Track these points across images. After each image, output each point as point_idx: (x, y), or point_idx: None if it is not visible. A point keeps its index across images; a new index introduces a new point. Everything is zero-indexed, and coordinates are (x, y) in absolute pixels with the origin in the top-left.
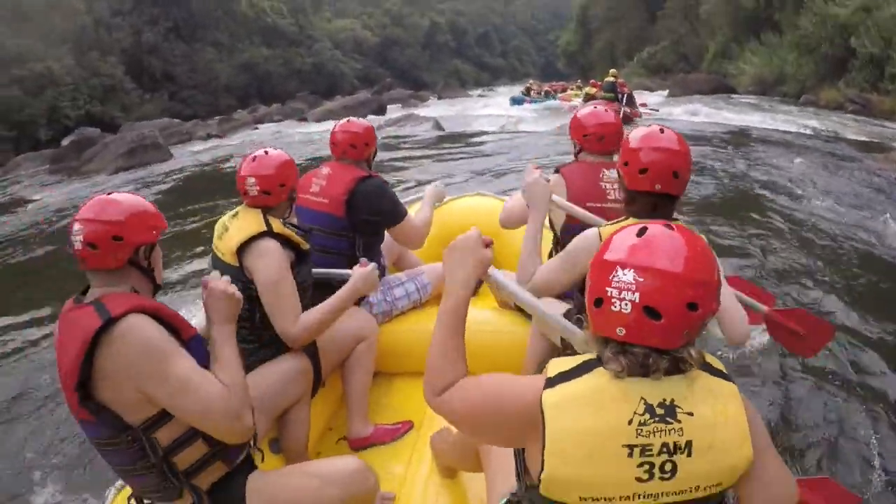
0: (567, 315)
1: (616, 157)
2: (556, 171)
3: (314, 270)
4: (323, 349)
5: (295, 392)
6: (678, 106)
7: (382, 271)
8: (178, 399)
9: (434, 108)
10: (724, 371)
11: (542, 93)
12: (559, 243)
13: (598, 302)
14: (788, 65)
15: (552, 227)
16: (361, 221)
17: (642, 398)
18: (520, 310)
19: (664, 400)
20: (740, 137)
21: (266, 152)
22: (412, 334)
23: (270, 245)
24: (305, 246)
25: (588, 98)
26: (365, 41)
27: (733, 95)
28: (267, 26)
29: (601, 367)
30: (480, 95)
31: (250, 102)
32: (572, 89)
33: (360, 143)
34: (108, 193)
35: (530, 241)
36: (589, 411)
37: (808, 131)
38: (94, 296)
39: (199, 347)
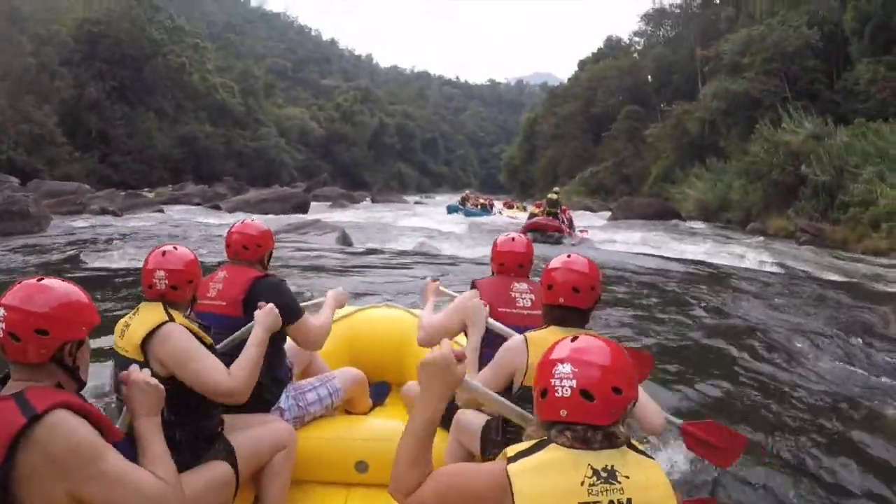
0: (488, 424)
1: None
2: (472, 285)
3: (226, 341)
4: (240, 456)
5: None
6: (620, 231)
7: (290, 377)
8: (114, 496)
9: (358, 213)
10: (646, 452)
11: (479, 205)
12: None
13: (544, 393)
14: (734, 191)
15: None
16: None
17: (589, 464)
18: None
19: (606, 466)
20: (689, 271)
21: (175, 247)
22: (328, 443)
23: (174, 327)
24: (209, 340)
25: (532, 216)
26: (311, 132)
27: (677, 221)
28: (215, 103)
29: (552, 444)
30: (417, 202)
31: (183, 178)
32: (517, 206)
33: (253, 245)
34: (39, 279)
35: (472, 353)
36: (548, 476)
37: (762, 265)
38: (14, 389)
39: (125, 450)
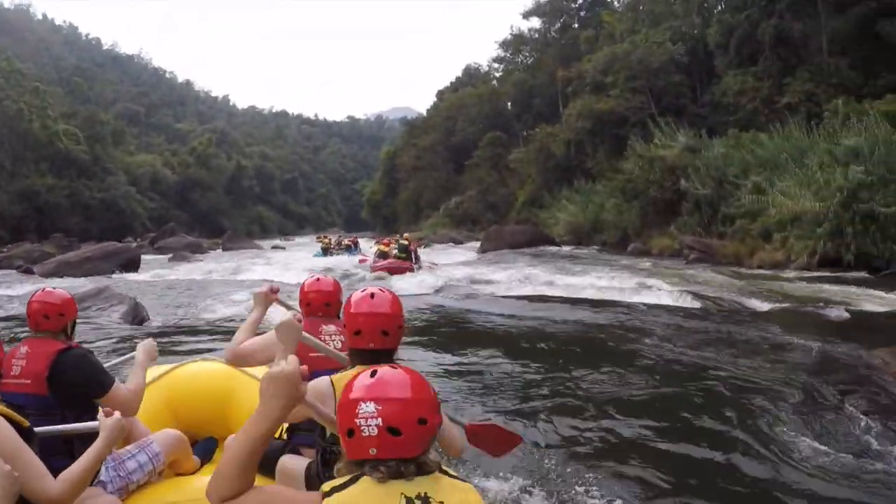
0: (309, 466)
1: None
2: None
3: (51, 428)
4: None
5: None
6: (492, 267)
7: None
8: None
9: (197, 267)
10: (458, 476)
11: (342, 244)
12: None
13: (350, 433)
14: (607, 212)
15: None
16: (68, 397)
17: (402, 493)
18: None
19: (420, 493)
20: (583, 310)
21: None
22: None
23: None
24: (25, 423)
25: (382, 254)
26: (164, 179)
27: (551, 247)
28: (58, 152)
29: (365, 476)
30: (275, 247)
31: (25, 237)
32: (393, 242)
33: (54, 314)
34: None
35: None
36: None
37: (658, 292)
38: None
39: None
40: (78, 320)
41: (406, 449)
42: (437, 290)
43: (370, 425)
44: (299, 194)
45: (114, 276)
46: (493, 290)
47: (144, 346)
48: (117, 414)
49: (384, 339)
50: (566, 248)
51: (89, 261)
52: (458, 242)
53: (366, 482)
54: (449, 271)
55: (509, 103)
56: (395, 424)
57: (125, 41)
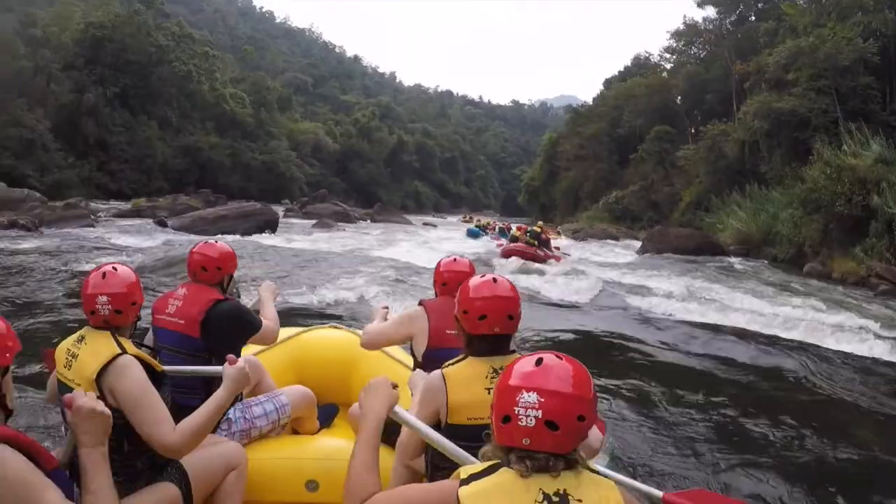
0: None
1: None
2: (420, 303)
3: (179, 368)
4: (193, 478)
5: None
6: (654, 273)
7: (240, 396)
8: None
9: (337, 236)
10: (602, 471)
11: (497, 229)
12: (422, 369)
13: (507, 419)
14: (781, 223)
15: (413, 353)
16: (216, 343)
17: (541, 489)
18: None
19: (559, 490)
20: (759, 348)
21: (115, 268)
22: (278, 462)
23: (129, 361)
24: (160, 368)
25: (513, 239)
26: (325, 147)
27: (721, 257)
28: (224, 113)
29: (505, 468)
30: (426, 223)
31: (185, 189)
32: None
33: (212, 267)
34: None
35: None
36: (499, 500)
37: (848, 330)
38: None
39: (62, 479)
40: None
41: (560, 444)
42: (590, 298)
43: (529, 416)
44: (458, 174)
45: (245, 238)
46: (650, 305)
47: (267, 287)
48: (240, 362)
49: (509, 323)
50: (734, 260)
51: (225, 219)
52: (615, 239)
53: (504, 473)
54: (603, 273)
55: (679, 97)
56: (554, 419)
57: (297, 15)
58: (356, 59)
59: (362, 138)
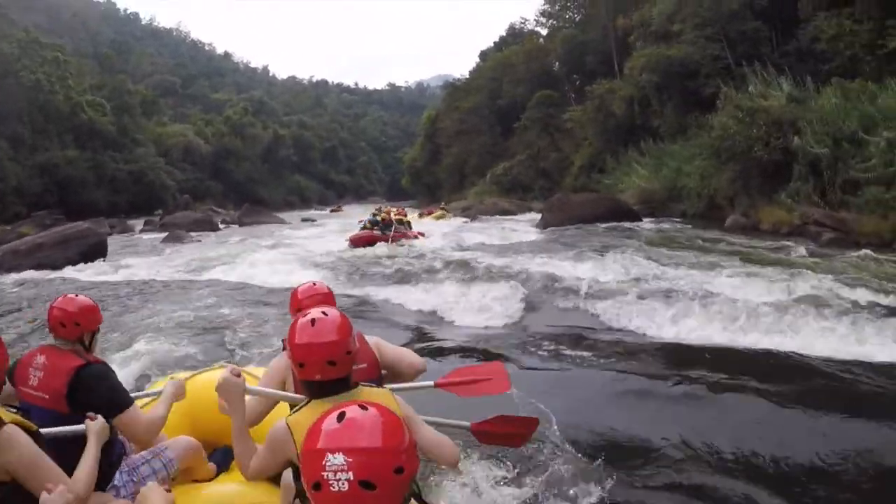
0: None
1: None
2: (283, 344)
3: (48, 430)
4: None
5: None
6: (563, 250)
7: (125, 453)
8: None
9: (182, 254)
10: None
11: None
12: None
13: (317, 486)
14: (687, 177)
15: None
16: (94, 410)
17: None
18: (271, 480)
19: None
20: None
21: None
22: None
23: (12, 430)
24: (34, 428)
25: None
26: (197, 150)
27: (631, 221)
28: (82, 123)
29: None
30: (305, 219)
31: (47, 211)
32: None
33: (70, 323)
34: None
35: (237, 439)
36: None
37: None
38: None
39: None
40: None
41: (382, 502)
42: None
43: (339, 480)
44: (339, 163)
45: (61, 272)
46: (576, 303)
47: (174, 384)
48: (101, 420)
49: (331, 369)
50: (645, 223)
51: (41, 249)
52: (510, 214)
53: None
54: (504, 265)
55: (556, 63)
56: (369, 478)
57: (163, 15)
58: (226, 55)
59: (235, 136)
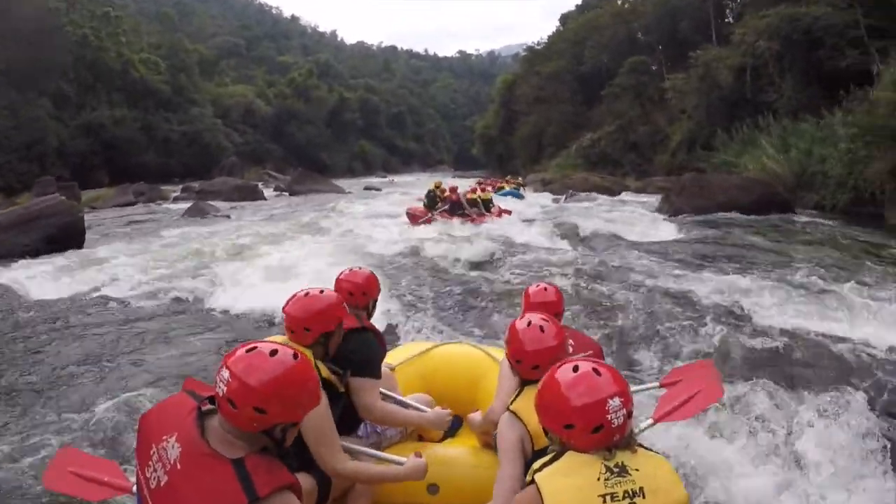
0: None
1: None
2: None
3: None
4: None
5: None
6: (711, 259)
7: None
8: None
9: (186, 236)
10: (652, 450)
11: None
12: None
13: (598, 428)
14: (826, 162)
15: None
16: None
17: (602, 463)
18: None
19: (618, 463)
20: None
21: (307, 293)
22: None
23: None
24: (341, 388)
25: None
26: (257, 111)
27: (789, 215)
28: (133, 82)
29: (568, 451)
30: (367, 188)
31: (92, 175)
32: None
33: (359, 293)
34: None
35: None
36: (570, 475)
37: None
38: (231, 451)
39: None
40: None
41: (624, 432)
42: None
43: (618, 416)
44: (406, 129)
45: (16, 265)
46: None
47: (439, 415)
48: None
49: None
50: (805, 218)
51: (10, 230)
52: (608, 192)
53: (569, 455)
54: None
55: (640, 31)
56: (631, 410)
57: None
58: (293, 18)
59: (298, 98)
